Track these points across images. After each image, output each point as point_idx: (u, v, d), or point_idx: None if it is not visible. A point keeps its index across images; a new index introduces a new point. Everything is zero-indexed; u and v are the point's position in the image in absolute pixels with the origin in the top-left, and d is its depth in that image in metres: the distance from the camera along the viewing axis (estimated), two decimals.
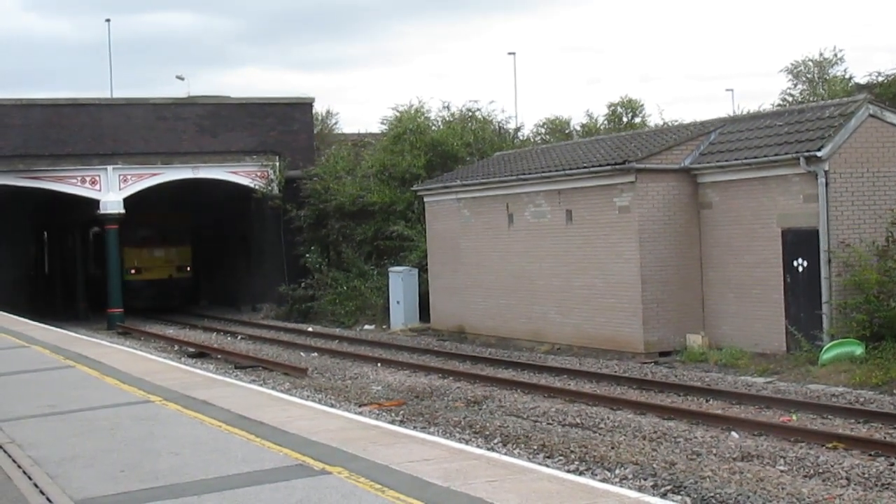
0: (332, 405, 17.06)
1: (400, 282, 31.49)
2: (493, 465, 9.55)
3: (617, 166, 22.78)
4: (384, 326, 32.20)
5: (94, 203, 37.11)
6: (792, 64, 37.68)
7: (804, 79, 37.07)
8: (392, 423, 15.11)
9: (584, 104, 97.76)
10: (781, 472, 12.26)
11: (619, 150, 24.54)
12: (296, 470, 9.46)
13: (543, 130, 43.07)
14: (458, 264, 29.25)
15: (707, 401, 17.27)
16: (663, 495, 11.26)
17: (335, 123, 47.86)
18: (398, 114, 38.12)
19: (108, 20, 79.96)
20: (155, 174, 37.73)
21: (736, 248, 21.88)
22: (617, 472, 12.36)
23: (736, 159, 21.70)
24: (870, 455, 12.89)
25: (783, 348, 20.65)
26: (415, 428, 14.82)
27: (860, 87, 31.46)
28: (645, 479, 11.94)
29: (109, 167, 36.95)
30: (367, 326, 32.75)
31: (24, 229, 51.11)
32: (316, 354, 26.70)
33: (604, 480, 11.39)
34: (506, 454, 12.73)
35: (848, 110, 20.61)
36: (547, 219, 25.50)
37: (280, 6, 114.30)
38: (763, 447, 13.47)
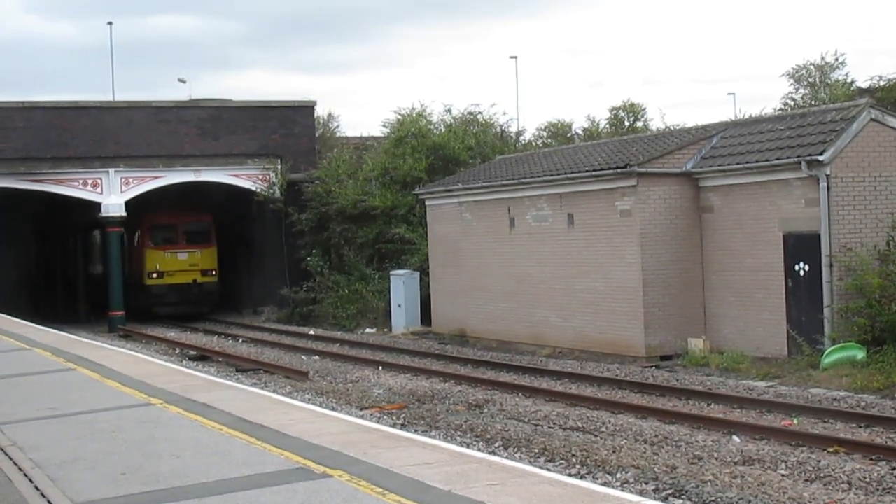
0: (333, 408, 17.06)
1: (401, 285, 31.49)
2: (495, 468, 9.55)
3: (619, 170, 22.78)
4: (385, 330, 32.20)
5: (96, 206, 37.14)
6: (794, 68, 37.62)
7: (806, 83, 37.02)
8: (393, 426, 15.09)
9: (586, 108, 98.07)
10: (783, 476, 12.25)
11: (621, 153, 24.54)
12: (297, 473, 9.46)
13: (545, 134, 43.10)
14: (460, 268, 29.26)
15: (708, 405, 17.27)
16: (664, 499, 11.26)
17: (337, 127, 47.89)
18: (400, 117, 38.17)
19: (110, 23, 79.88)
20: (156, 177, 37.75)
21: (737, 252, 21.88)
22: (618, 475, 12.35)
23: (738, 163, 21.70)
24: (871, 459, 12.88)
25: (784, 352, 20.64)
26: (416, 431, 14.82)
27: (862, 92, 31.45)
28: (646, 483, 11.93)
29: (111, 170, 36.97)
30: (368, 330, 32.75)
31: (26, 232, 51.16)
32: (317, 358, 26.70)
33: (605, 484, 11.39)
34: (507, 458, 12.73)
35: (850, 114, 20.62)
36: (548, 222, 25.50)
37: (282, 9, 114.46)
38: (764, 451, 13.46)
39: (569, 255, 24.76)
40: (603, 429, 15.51)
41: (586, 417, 16.42)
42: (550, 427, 15.89)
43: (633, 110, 42.67)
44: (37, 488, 9.36)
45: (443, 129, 37.59)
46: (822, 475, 12.18)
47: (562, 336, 25.11)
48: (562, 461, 13.29)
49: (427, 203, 31.42)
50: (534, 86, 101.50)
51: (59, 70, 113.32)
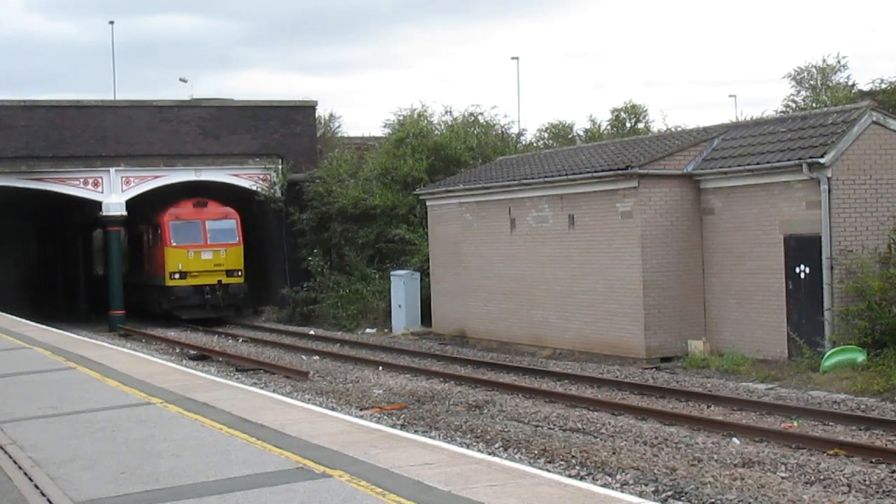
0: (333, 408, 17.06)
1: (402, 285, 31.50)
2: (495, 469, 9.55)
3: (620, 172, 22.78)
4: (386, 330, 32.20)
5: (97, 205, 37.16)
6: (795, 70, 37.62)
7: (807, 85, 37.01)
8: (393, 426, 15.09)
9: (587, 109, 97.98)
10: (782, 478, 12.24)
11: (622, 155, 24.54)
12: (296, 473, 9.46)
13: (546, 135, 43.07)
14: (460, 268, 29.26)
15: (708, 406, 17.27)
16: (664, 501, 11.26)
17: (338, 127, 47.87)
18: (401, 117, 38.19)
19: (111, 22, 79.90)
20: (157, 176, 37.76)
21: (738, 254, 21.87)
22: (618, 477, 12.35)
23: (739, 165, 21.69)
24: (871, 462, 12.88)
25: (785, 355, 20.63)
26: (416, 432, 14.82)
27: (863, 94, 31.45)
28: (646, 485, 11.93)
29: (112, 169, 36.99)
30: (368, 330, 32.75)
31: (27, 230, 51.20)
32: (317, 357, 26.70)
33: (605, 485, 11.38)
34: (507, 458, 12.72)
35: (851, 117, 20.62)
36: (549, 223, 25.50)
37: (284, 9, 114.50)
38: (764, 453, 13.45)
39: (569, 257, 24.76)
40: (603, 430, 15.51)
41: (586, 419, 16.42)
42: (550, 428, 15.89)
43: (635, 112, 42.64)
44: (36, 487, 9.37)
45: (444, 130, 37.60)
46: (821, 477, 12.18)
47: (562, 337, 25.11)
48: (562, 462, 13.29)
49: (428, 203, 31.42)
50: (535, 87, 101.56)
51: (60, 69, 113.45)
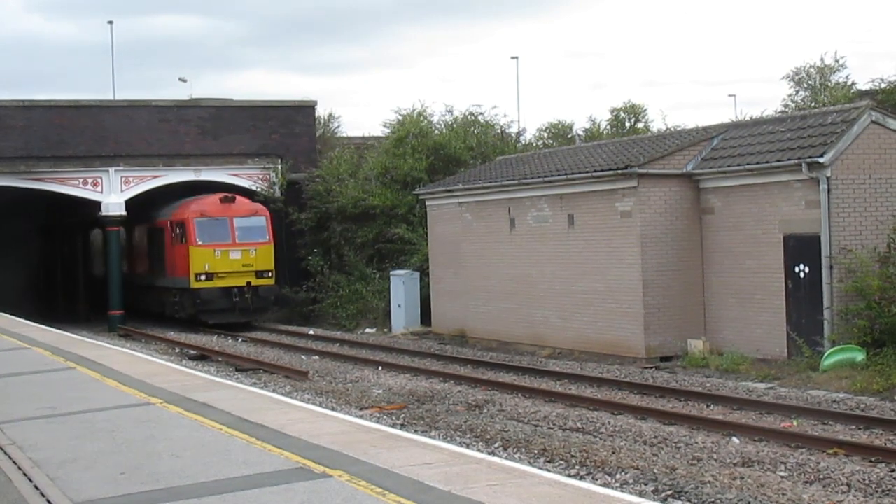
0: (332, 408, 17.05)
1: (401, 285, 31.49)
2: (494, 469, 9.55)
3: (619, 171, 22.78)
4: (385, 330, 32.20)
5: (96, 205, 37.16)
6: (793, 70, 37.63)
7: (806, 86, 37.01)
8: (393, 426, 15.09)
9: (587, 109, 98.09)
10: (782, 477, 12.25)
11: (622, 154, 24.55)
12: (296, 473, 9.46)
13: (546, 135, 43.09)
14: (460, 268, 29.26)
15: (708, 406, 17.27)
16: (664, 500, 11.26)
17: (338, 127, 47.87)
18: (400, 117, 38.19)
19: (110, 22, 79.83)
20: (157, 176, 37.75)
21: (738, 253, 21.88)
22: (618, 476, 12.35)
23: (738, 165, 21.70)
24: (870, 461, 12.88)
25: (784, 354, 20.64)
26: (416, 432, 14.82)
27: (862, 94, 31.47)
28: (646, 484, 11.93)
29: (111, 169, 36.99)
30: (368, 330, 32.75)
31: (27, 231, 51.18)
32: (317, 357, 26.70)
33: (604, 485, 11.38)
34: (507, 458, 12.72)
35: (850, 116, 20.62)
36: (549, 223, 25.50)
37: (283, 9, 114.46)
38: (764, 453, 13.46)
39: (569, 256, 24.76)
40: (602, 430, 15.51)
41: (586, 418, 16.42)
42: (550, 428, 15.89)
43: (634, 111, 42.68)
44: (36, 487, 9.36)
45: (443, 130, 37.62)
46: (821, 477, 12.18)
47: (562, 337, 25.11)
48: (561, 462, 13.29)
49: (427, 203, 31.42)
50: (535, 87, 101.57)
51: (59, 69, 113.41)
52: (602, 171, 23.46)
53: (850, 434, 14.63)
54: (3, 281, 46.95)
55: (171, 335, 33.40)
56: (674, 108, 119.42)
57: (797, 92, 37.03)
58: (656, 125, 40.98)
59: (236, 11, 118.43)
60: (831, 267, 19.83)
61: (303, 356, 27.18)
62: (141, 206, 37.60)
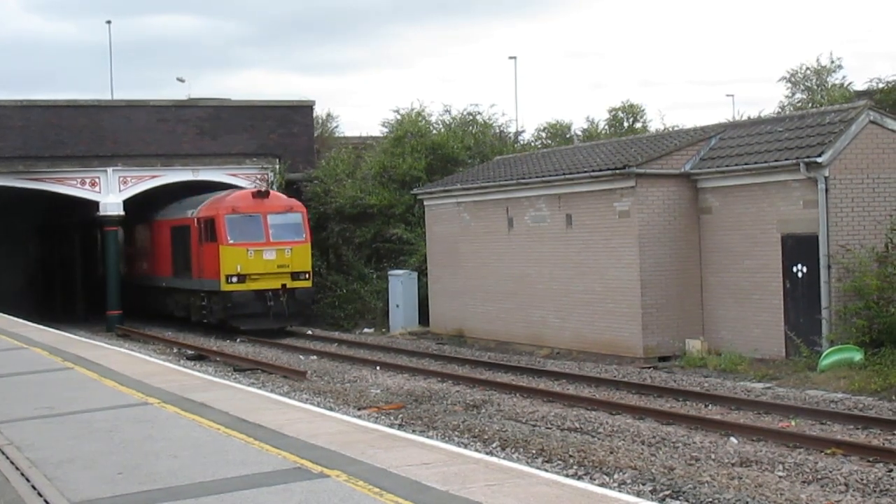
0: (330, 408, 17.05)
1: (399, 285, 31.48)
2: (492, 469, 9.54)
3: (617, 171, 22.79)
4: (383, 330, 32.20)
5: (94, 205, 37.14)
6: (789, 72, 37.67)
7: (803, 87, 37.03)
8: (391, 426, 15.08)
9: (586, 109, 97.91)
10: (780, 477, 12.25)
11: (620, 154, 24.55)
12: (294, 473, 9.45)
13: (544, 135, 43.10)
14: (458, 268, 29.26)
15: (706, 406, 17.27)
16: (662, 500, 11.26)
17: (336, 127, 47.86)
18: (399, 116, 38.19)
19: (108, 22, 79.91)
20: (155, 176, 37.72)
21: (736, 253, 21.89)
22: (615, 476, 12.35)
23: (736, 165, 21.71)
24: (868, 461, 12.88)
25: (782, 354, 20.65)
26: (413, 431, 14.82)
27: (860, 94, 31.49)
28: (643, 484, 11.93)
29: (109, 169, 36.94)
30: (366, 330, 32.75)
31: (25, 231, 51.12)
32: (315, 357, 26.70)
33: (602, 485, 11.37)
34: (504, 458, 12.71)
35: (848, 116, 20.63)
36: (547, 223, 25.50)
37: (282, 9, 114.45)
38: (762, 453, 13.46)
39: (567, 256, 24.76)
40: (600, 429, 15.50)
41: (584, 418, 16.42)
42: (548, 428, 15.89)
43: (632, 111, 42.68)
44: (34, 487, 9.35)
45: (442, 129, 37.61)
46: (819, 477, 12.18)
47: (560, 336, 25.11)
48: (559, 462, 13.28)
49: (425, 203, 31.42)
50: (533, 87, 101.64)
51: (58, 69, 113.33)
52: (600, 171, 23.46)
53: (848, 434, 14.63)
54: (2, 281, 46.91)
55: (169, 335, 33.38)
56: (672, 108, 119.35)
57: (794, 94, 37.08)
58: (654, 125, 41.02)
59: (235, 11, 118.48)
60: (829, 266, 19.84)
61: (301, 356, 27.17)
62: (161, 200, 37.22)
